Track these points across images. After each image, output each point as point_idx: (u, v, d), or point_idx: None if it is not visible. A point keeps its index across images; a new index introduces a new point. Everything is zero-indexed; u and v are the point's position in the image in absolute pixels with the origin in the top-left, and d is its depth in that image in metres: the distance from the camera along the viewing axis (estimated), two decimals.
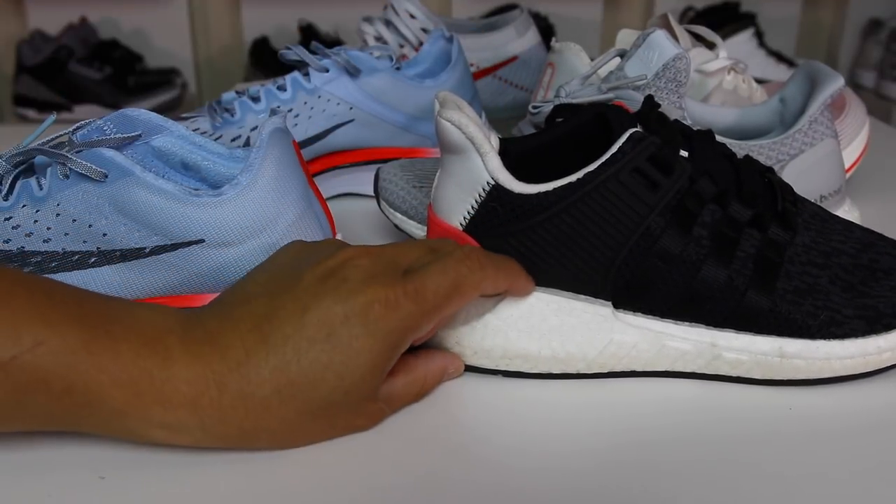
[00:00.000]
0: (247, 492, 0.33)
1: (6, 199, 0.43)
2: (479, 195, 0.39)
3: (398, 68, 0.63)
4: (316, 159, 0.64)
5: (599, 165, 0.38)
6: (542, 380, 0.41)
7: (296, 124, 0.62)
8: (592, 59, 0.64)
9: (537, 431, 0.38)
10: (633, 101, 0.54)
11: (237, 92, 0.63)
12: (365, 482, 0.34)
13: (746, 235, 0.40)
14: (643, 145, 0.38)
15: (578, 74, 0.61)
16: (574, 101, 0.55)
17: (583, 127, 0.44)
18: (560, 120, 0.46)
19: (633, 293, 0.40)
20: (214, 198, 0.42)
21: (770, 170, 0.44)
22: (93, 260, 0.43)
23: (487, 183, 0.39)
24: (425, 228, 0.50)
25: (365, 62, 0.62)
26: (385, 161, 0.65)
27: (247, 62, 1.97)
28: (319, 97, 0.61)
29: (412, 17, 0.79)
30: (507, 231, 0.39)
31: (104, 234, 0.43)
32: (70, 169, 0.42)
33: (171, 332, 0.34)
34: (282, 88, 0.62)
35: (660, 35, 0.55)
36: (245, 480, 0.34)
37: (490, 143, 0.39)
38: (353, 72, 0.61)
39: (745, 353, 0.40)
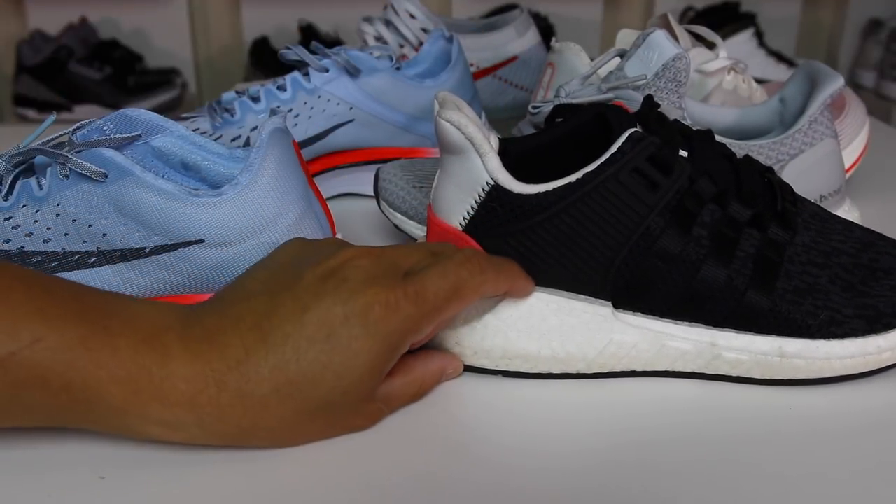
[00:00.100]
0: (247, 491, 0.34)
1: (6, 199, 0.43)
2: (479, 195, 0.39)
3: (398, 68, 0.63)
4: (316, 159, 0.64)
5: (599, 165, 0.38)
6: (542, 380, 0.41)
7: (296, 124, 0.62)
8: (592, 59, 0.64)
9: (537, 431, 0.38)
10: (633, 101, 0.54)
11: (237, 92, 0.63)
12: (365, 482, 0.34)
13: (746, 235, 0.40)
14: (643, 145, 0.38)
15: (578, 74, 0.61)
16: (574, 101, 0.55)
17: (583, 127, 0.44)
18: (560, 120, 0.46)
19: (632, 293, 0.40)
20: (214, 198, 0.42)
21: (770, 170, 0.44)
22: (93, 260, 0.43)
23: (487, 183, 0.39)
24: (425, 228, 0.50)
25: (365, 62, 0.62)
26: (385, 161, 0.65)
27: (247, 62, 1.97)
28: (319, 97, 0.61)
29: (412, 17, 0.79)
30: (507, 231, 0.39)
31: (104, 234, 0.43)
32: (70, 169, 0.42)
33: (169, 329, 0.34)
34: (282, 88, 0.62)
35: (660, 35, 0.55)
36: (245, 480, 0.34)
37: (490, 143, 0.39)
38: (353, 72, 0.61)
39: (744, 352, 0.40)
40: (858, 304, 0.40)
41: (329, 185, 0.65)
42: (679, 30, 0.65)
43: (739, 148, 0.54)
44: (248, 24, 2.04)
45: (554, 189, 0.39)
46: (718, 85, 0.64)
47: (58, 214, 0.43)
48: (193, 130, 0.55)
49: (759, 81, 0.76)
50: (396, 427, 0.38)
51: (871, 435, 0.37)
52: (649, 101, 0.44)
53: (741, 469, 0.35)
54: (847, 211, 0.59)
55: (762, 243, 0.40)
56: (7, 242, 0.43)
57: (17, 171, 0.44)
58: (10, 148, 0.44)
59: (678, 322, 0.41)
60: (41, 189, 0.43)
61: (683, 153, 0.40)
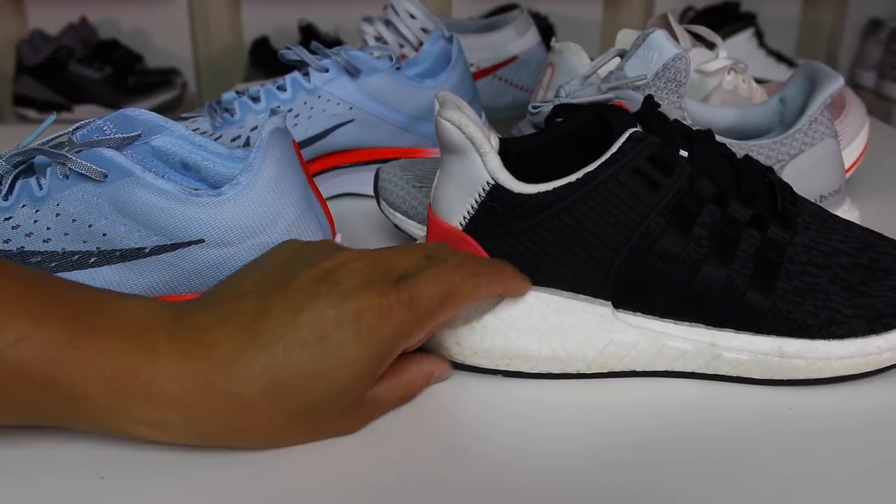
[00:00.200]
0: (247, 492, 0.33)
1: (6, 199, 0.43)
2: (479, 195, 0.39)
3: (398, 68, 0.63)
4: (316, 159, 0.64)
5: (599, 165, 0.38)
6: (542, 380, 0.41)
7: (296, 124, 0.62)
8: (592, 59, 0.64)
9: (537, 431, 0.38)
10: (633, 101, 0.54)
11: (237, 92, 0.63)
12: (365, 482, 0.34)
13: (746, 235, 0.40)
14: (643, 145, 0.38)
15: (578, 74, 0.61)
16: (574, 101, 0.55)
17: (583, 127, 0.44)
18: (560, 120, 0.46)
19: (632, 293, 0.40)
20: (214, 198, 0.42)
21: (770, 170, 0.44)
22: (93, 260, 0.43)
23: (487, 183, 0.39)
24: (425, 228, 0.50)
25: (365, 62, 0.62)
26: (385, 161, 0.65)
27: (247, 62, 1.97)
28: (319, 97, 0.61)
29: (412, 17, 0.79)
30: (507, 231, 0.39)
31: (104, 234, 0.43)
32: (70, 169, 0.42)
33: (158, 327, 0.34)
34: (282, 88, 0.62)
35: (660, 35, 0.55)
36: (245, 480, 0.34)
37: (490, 143, 0.39)
38: (353, 72, 0.61)
39: (744, 352, 0.40)
40: (858, 305, 0.40)
41: (329, 185, 0.65)
42: (679, 30, 0.65)
43: (739, 148, 0.54)
44: (248, 24, 2.04)
45: (554, 189, 0.39)
46: (718, 85, 0.64)
47: (58, 214, 0.43)
48: (193, 130, 0.55)
49: (759, 81, 0.76)
50: (396, 427, 0.38)
51: (871, 435, 0.37)
52: (649, 101, 0.44)
53: (741, 469, 0.35)
54: (847, 211, 0.59)
55: (762, 243, 0.40)
56: (7, 242, 0.43)
57: (17, 171, 0.44)
58: (10, 148, 0.44)
59: (678, 322, 0.41)
60: (41, 189, 0.43)
61: (684, 153, 0.40)
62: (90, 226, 0.42)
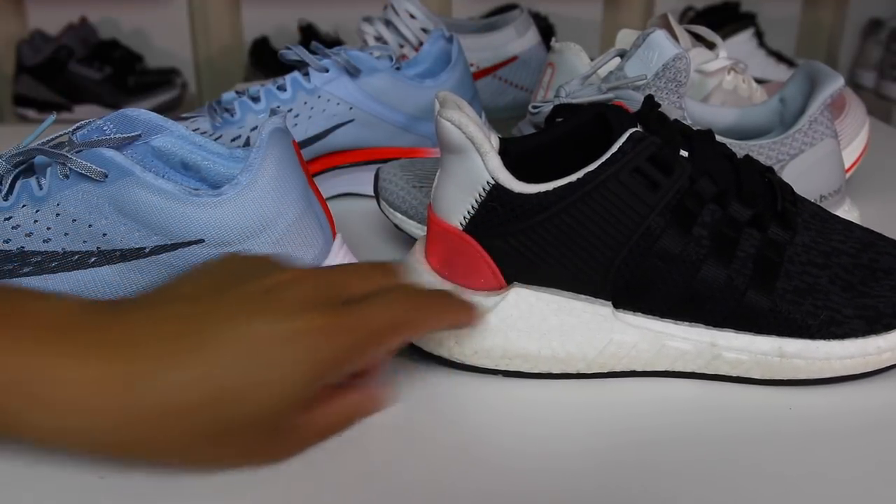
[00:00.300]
0: (247, 492, 0.33)
1: (6, 199, 0.43)
2: (479, 195, 0.39)
3: (398, 68, 0.63)
4: (316, 159, 0.64)
5: (599, 165, 0.38)
6: (542, 380, 0.41)
7: (296, 124, 0.62)
8: (592, 59, 0.64)
9: (537, 431, 0.38)
10: (633, 101, 0.54)
11: (237, 92, 0.63)
12: (365, 482, 0.34)
13: (746, 235, 0.40)
14: (643, 145, 0.38)
15: (578, 74, 0.61)
16: (574, 101, 0.55)
17: (583, 127, 0.44)
18: (560, 120, 0.46)
19: (632, 293, 0.40)
20: (214, 198, 0.42)
21: (770, 170, 0.44)
22: (93, 260, 0.43)
23: (487, 183, 0.39)
24: (425, 228, 0.50)
25: (365, 62, 0.62)
26: (385, 161, 0.65)
27: (247, 62, 1.97)
28: (319, 97, 0.61)
29: (412, 17, 0.79)
30: (507, 231, 0.39)
31: (104, 234, 0.43)
32: (70, 169, 0.42)
33: (72, 328, 0.32)
34: (282, 88, 0.62)
35: (660, 35, 0.55)
36: (245, 480, 0.34)
37: (490, 143, 0.39)
38: (353, 72, 0.61)
39: (744, 352, 0.40)
40: (858, 305, 0.40)
41: (329, 185, 0.65)
42: (679, 30, 0.65)
43: (739, 148, 0.54)
44: (248, 24, 2.04)
45: (554, 189, 0.39)
46: (718, 85, 0.64)
47: (58, 214, 0.43)
48: (193, 130, 0.55)
49: (759, 81, 0.76)
50: (397, 427, 0.38)
51: (871, 435, 0.37)
52: (650, 101, 0.44)
53: (741, 469, 0.35)
54: (847, 211, 0.59)
55: (762, 243, 0.40)
56: (7, 242, 0.43)
57: (17, 171, 0.44)
58: (10, 148, 0.44)
59: (678, 322, 0.41)
60: (41, 189, 0.43)
61: (684, 153, 0.40)
62: (90, 226, 0.42)
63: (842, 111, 0.67)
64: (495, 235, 0.40)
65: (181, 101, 1.89)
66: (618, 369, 0.41)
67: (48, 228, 0.43)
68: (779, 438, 0.37)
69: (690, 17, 1.89)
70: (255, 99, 0.61)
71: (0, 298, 0.34)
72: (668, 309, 0.40)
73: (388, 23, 0.79)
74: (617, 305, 0.41)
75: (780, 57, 1.68)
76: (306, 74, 0.62)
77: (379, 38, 0.79)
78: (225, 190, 0.42)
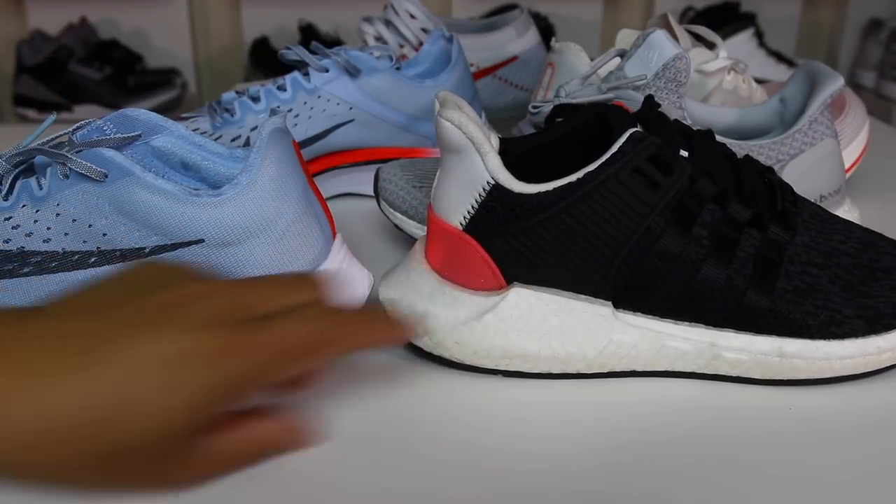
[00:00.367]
0: (247, 492, 0.33)
1: (6, 199, 0.43)
2: (479, 195, 0.39)
3: (398, 68, 0.63)
4: (316, 159, 0.64)
5: (599, 165, 0.38)
6: (542, 380, 0.41)
7: (296, 124, 0.62)
8: (592, 59, 0.64)
9: (537, 431, 0.38)
10: (633, 101, 0.54)
11: (237, 92, 0.63)
12: (364, 483, 0.34)
13: (746, 235, 0.40)
14: (643, 145, 0.38)
15: (578, 74, 0.61)
16: (574, 101, 0.55)
17: (583, 127, 0.44)
18: (560, 120, 0.46)
19: (632, 293, 0.40)
20: (214, 198, 0.42)
21: (770, 170, 0.44)
22: (93, 260, 0.43)
23: (487, 183, 0.39)
24: (425, 228, 0.50)
25: (365, 62, 0.62)
26: (385, 161, 0.65)
27: (247, 62, 1.97)
28: (319, 97, 0.61)
29: (412, 17, 0.79)
30: (507, 231, 0.39)
31: (104, 234, 0.43)
32: (70, 169, 0.42)
33: None
34: (282, 88, 0.62)
35: (660, 35, 0.55)
36: (245, 480, 0.34)
37: (490, 143, 0.39)
38: (353, 72, 0.61)
39: (744, 352, 0.40)
40: (858, 305, 0.40)
41: (329, 185, 0.65)
42: (679, 30, 0.65)
43: (739, 148, 0.54)
44: (248, 24, 2.04)
45: (554, 189, 0.39)
46: (718, 85, 0.64)
47: (58, 214, 0.43)
48: (193, 130, 0.55)
49: (759, 81, 0.76)
50: (396, 427, 0.38)
51: (871, 435, 0.37)
52: (650, 101, 0.44)
53: (741, 469, 0.35)
54: (847, 211, 0.59)
55: (762, 243, 0.40)
56: (7, 242, 0.43)
57: (17, 171, 0.44)
58: (10, 148, 0.44)
59: (678, 322, 0.41)
60: (41, 189, 0.43)
61: (684, 153, 0.40)
62: (90, 226, 0.42)
63: (842, 111, 0.67)
64: (495, 235, 0.40)
65: (181, 101, 1.89)
66: (618, 369, 0.41)
67: (48, 228, 0.43)
68: (779, 438, 0.37)
69: (690, 17, 1.89)
70: (255, 99, 0.61)
71: None
72: (668, 309, 0.40)
73: (388, 23, 0.79)
74: (617, 305, 0.41)
75: (780, 57, 1.68)
76: (306, 74, 0.62)
77: (379, 38, 0.79)
78: (225, 190, 0.42)
